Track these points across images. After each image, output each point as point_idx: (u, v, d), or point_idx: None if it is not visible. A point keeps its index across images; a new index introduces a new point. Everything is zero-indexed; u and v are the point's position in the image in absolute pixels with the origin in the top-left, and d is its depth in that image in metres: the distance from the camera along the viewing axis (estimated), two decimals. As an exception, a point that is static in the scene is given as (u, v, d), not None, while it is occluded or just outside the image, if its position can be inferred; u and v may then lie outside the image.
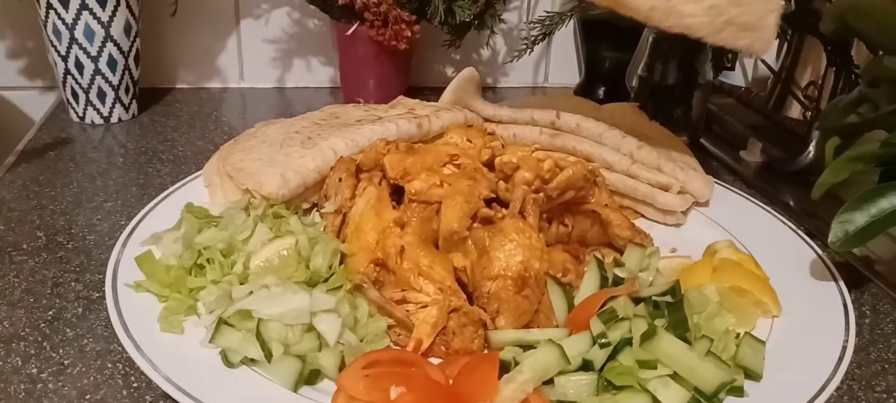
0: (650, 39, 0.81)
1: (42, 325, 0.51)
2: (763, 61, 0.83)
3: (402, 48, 0.84)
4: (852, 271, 0.62)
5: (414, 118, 0.68)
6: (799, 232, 0.64)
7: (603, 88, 0.99)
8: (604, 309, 0.47)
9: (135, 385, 0.46)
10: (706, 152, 0.85)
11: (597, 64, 0.99)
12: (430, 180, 0.55)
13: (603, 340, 0.45)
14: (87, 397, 0.45)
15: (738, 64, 0.94)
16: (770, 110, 0.83)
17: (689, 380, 0.44)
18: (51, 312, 0.52)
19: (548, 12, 0.84)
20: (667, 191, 0.66)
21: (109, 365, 0.48)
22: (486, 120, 0.73)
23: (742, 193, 0.71)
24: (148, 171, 0.73)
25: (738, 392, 0.45)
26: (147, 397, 0.45)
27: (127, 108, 0.84)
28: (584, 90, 1.00)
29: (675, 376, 0.44)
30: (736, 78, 0.99)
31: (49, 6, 0.76)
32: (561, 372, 0.44)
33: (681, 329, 0.46)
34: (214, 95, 0.97)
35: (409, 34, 0.83)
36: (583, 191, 0.56)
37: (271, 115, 0.86)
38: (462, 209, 0.52)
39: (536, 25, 0.83)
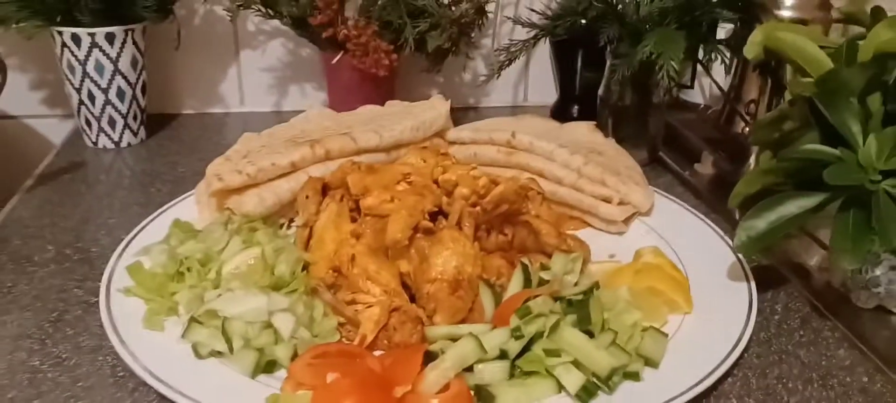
0: (607, 64, 0.88)
1: (46, 325, 0.59)
2: (714, 81, 0.89)
3: (382, 74, 0.92)
4: (776, 274, 0.68)
5: (374, 132, 0.76)
6: (726, 238, 0.70)
7: (576, 107, 1.05)
8: (522, 306, 0.54)
9: (120, 374, 0.54)
10: (665, 166, 0.91)
11: (569, 84, 1.05)
12: (382, 196, 0.63)
13: (518, 333, 0.52)
14: (80, 384, 0.53)
15: (697, 82, 1.00)
16: (722, 126, 0.89)
17: (587, 366, 0.50)
18: (54, 314, 0.60)
19: (511, 41, 0.91)
20: (609, 202, 0.73)
21: (100, 359, 0.56)
22: (451, 142, 0.81)
23: (681, 203, 0.77)
24: (150, 191, 0.82)
25: (634, 376, 0.52)
26: (129, 384, 0.53)
27: (135, 134, 0.93)
28: (559, 109, 1.06)
29: (576, 363, 0.51)
30: (695, 96, 1.05)
31: (63, 45, 0.85)
32: (480, 360, 0.51)
33: (585, 322, 0.53)
34: (217, 120, 1.06)
35: (388, 62, 0.91)
36: (516, 205, 0.64)
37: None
38: (405, 221, 0.59)
39: (502, 52, 0.91)
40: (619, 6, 0.85)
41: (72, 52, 0.85)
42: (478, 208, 0.62)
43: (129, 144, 0.93)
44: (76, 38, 0.84)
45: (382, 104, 0.93)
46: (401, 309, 0.57)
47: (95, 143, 0.92)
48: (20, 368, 0.54)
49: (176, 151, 0.93)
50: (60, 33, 0.84)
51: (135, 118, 0.92)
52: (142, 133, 0.94)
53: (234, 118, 1.07)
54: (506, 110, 1.11)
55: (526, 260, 0.60)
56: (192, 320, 0.54)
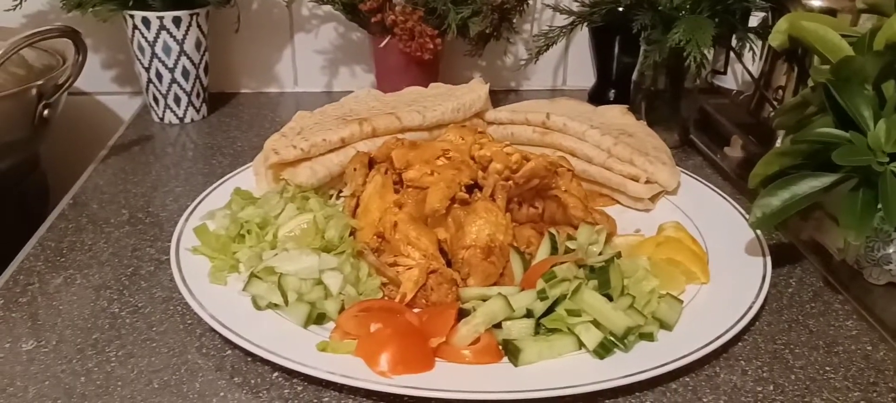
0: (642, 49, 0.92)
1: (123, 279, 0.66)
2: (745, 67, 0.92)
3: (427, 58, 0.98)
4: (794, 251, 0.72)
5: (417, 112, 0.82)
6: (746, 216, 0.74)
7: (613, 91, 1.09)
8: (548, 272, 0.59)
9: (189, 322, 0.61)
10: (696, 148, 0.95)
11: (607, 68, 1.09)
12: (422, 170, 0.68)
13: (543, 295, 0.58)
14: (154, 329, 0.60)
15: (730, 69, 1.03)
16: (752, 111, 0.93)
17: (605, 325, 0.56)
18: (130, 269, 0.68)
19: (549, 27, 0.96)
20: (636, 181, 0.78)
21: (171, 308, 0.63)
22: (490, 123, 0.86)
23: (706, 183, 0.81)
24: (212, 163, 0.89)
25: (649, 337, 0.57)
26: (197, 330, 0.60)
27: (198, 111, 1.01)
28: (597, 93, 1.11)
29: (595, 322, 0.56)
30: (728, 81, 1.08)
31: (135, 27, 0.93)
32: (507, 318, 0.57)
33: (605, 287, 0.58)
34: (272, 99, 1.13)
35: (433, 46, 0.97)
36: (546, 180, 0.69)
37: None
38: (443, 192, 0.65)
39: (541, 37, 0.95)
40: (653, -7, 0.89)
41: (142, 34, 0.93)
42: (510, 182, 0.67)
43: (192, 120, 1.00)
44: (146, 22, 0.92)
45: (427, 85, 0.98)
46: (438, 272, 0.62)
47: (162, 119, 1.00)
48: (102, 314, 0.61)
49: (235, 127, 1.00)
50: (132, 16, 0.92)
51: (198, 96, 1.00)
52: (204, 110, 1.02)
53: (287, 97, 1.13)
54: (545, 93, 1.16)
55: (553, 231, 0.65)
56: (252, 275, 0.61)
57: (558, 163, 0.70)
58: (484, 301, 0.59)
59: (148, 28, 0.92)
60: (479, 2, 0.94)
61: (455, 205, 0.66)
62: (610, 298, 0.58)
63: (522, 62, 0.98)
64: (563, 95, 1.16)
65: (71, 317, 0.61)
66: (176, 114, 0.99)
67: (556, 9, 0.98)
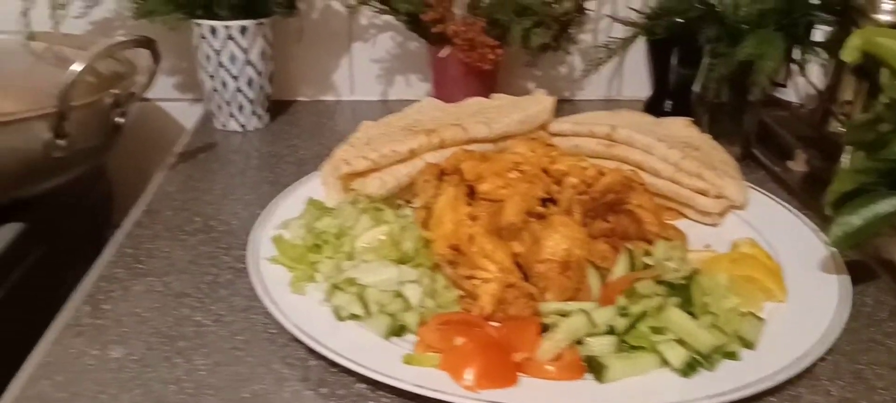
0: (705, 62, 0.92)
1: (203, 287, 0.67)
2: (809, 81, 0.92)
3: (487, 68, 0.98)
4: (866, 268, 0.71)
5: (483, 123, 0.82)
6: (818, 232, 0.73)
7: (670, 102, 1.09)
8: (629, 288, 0.60)
9: (272, 331, 0.62)
10: (757, 162, 0.95)
11: (664, 79, 1.09)
12: (496, 182, 0.69)
13: (624, 311, 0.58)
14: (238, 338, 0.61)
15: (791, 81, 1.02)
16: (816, 124, 0.92)
17: (690, 344, 0.55)
18: (208, 277, 0.69)
19: (610, 38, 0.96)
20: (705, 195, 0.78)
21: (252, 317, 0.64)
22: (553, 134, 0.86)
23: (775, 198, 0.81)
24: (277, 171, 0.90)
25: (733, 356, 0.56)
26: (279, 340, 0.61)
27: (260, 119, 1.02)
28: (653, 103, 1.10)
29: (679, 341, 0.56)
30: (787, 93, 1.07)
31: (202, 36, 0.94)
32: (590, 334, 0.57)
33: (687, 305, 0.58)
34: (329, 107, 1.14)
35: (493, 57, 0.97)
36: (621, 194, 0.69)
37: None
38: (519, 206, 0.65)
39: (601, 49, 0.95)
40: (718, 7, 0.89)
41: (209, 43, 0.94)
42: (585, 196, 0.67)
43: (254, 128, 1.02)
44: (213, 31, 0.93)
45: (484, 95, 0.99)
46: (515, 286, 0.63)
47: (224, 126, 1.01)
48: (185, 322, 0.63)
49: (296, 135, 1.02)
50: (199, 25, 0.93)
51: (261, 104, 1.01)
52: (265, 118, 1.03)
53: (344, 105, 1.15)
54: (600, 103, 1.16)
55: (630, 246, 0.65)
56: (334, 286, 0.62)
57: (632, 178, 0.70)
58: (563, 316, 0.59)
59: (215, 37, 0.94)
60: (542, 13, 0.95)
61: (531, 219, 0.66)
62: (692, 316, 0.58)
63: (582, 73, 0.98)
64: (617, 106, 1.16)
65: (155, 325, 0.62)
66: (239, 122, 1.00)
67: (617, 20, 0.98)
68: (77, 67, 0.69)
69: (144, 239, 0.75)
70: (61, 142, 0.72)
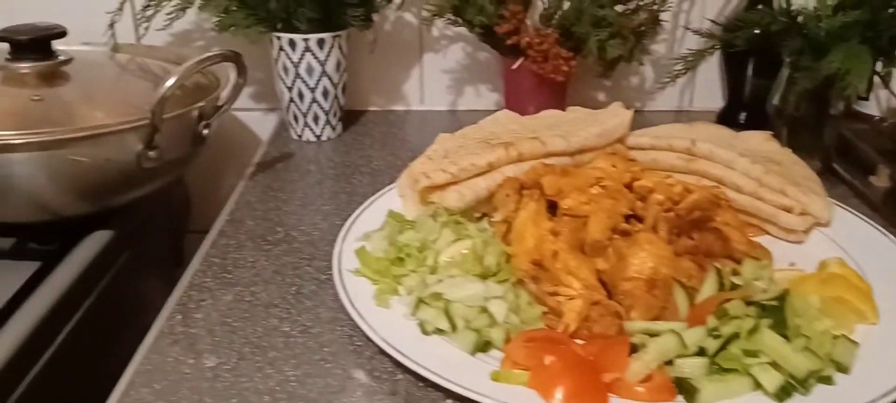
0: (785, 74, 0.90)
1: (288, 297, 0.69)
2: (894, 94, 0.89)
3: (560, 80, 0.98)
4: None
5: (561, 137, 0.82)
6: (908, 251, 0.72)
7: (744, 114, 1.07)
8: (719, 308, 0.59)
9: (358, 343, 0.63)
10: (838, 177, 0.93)
11: (738, 90, 1.07)
12: (579, 198, 0.69)
13: (715, 333, 0.57)
14: (325, 349, 0.62)
15: (872, 93, 1.00)
16: (901, 138, 0.90)
17: (785, 368, 0.55)
18: (293, 288, 0.70)
19: (690, 50, 0.95)
20: (789, 212, 0.76)
21: (338, 328, 0.65)
22: (631, 147, 0.86)
23: (860, 215, 0.79)
24: (353, 182, 0.92)
25: (827, 380, 0.55)
26: (366, 352, 0.62)
27: (334, 129, 1.04)
28: (727, 115, 1.09)
29: (773, 364, 0.55)
30: (870, 106, 1.04)
31: (281, 49, 0.96)
32: (680, 355, 0.57)
33: (781, 327, 0.57)
34: (399, 116, 1.15)
35: (567, 68, 0.97)
36: (708, 212, 0.68)
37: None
38: (605, 223, 0.65)
39: (679, 62, 0.94)
40: (800, 18, 0.87)
41: (287, 55, 0.96)
42: (671, 213, 0.67)
43: (328, 138, 1.03)
44: (292, 43, 0.95)
45: (555, 106, 0.98)
46: (601, 303, 0.62)
47: (300, 136, 1.03)
48: (274, 332, 0.64)
49: (368, 145, 1.03)
50: (279, 38, 0.95)
51: (335, 115, 1.03)
52: (339, 128, 1.05)
53: (414, 115, 1.16)
54: (671, 114, 1.15)
55: (718, 265, 0.64)
56: (420, 300, 0.62)
57: (719, 196, 0.70)
58: (650, 335, 0.59)
59: (293, 49, 0.95)
60: (617, 25, 0.94)
61: (616, 236, 0.66)
62: (785, 338, 0.57)
63: (658, 86, 0.97)
64: (689, 116, 1.15)
65: (245, 335, 0.63)
66: (314, 132, 1.02)
67: (696, 32, 0.97)
68: (171, 82, 0.71)
69: (230, 248, 0.76)
70: (152, 154, 0.74)
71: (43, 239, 0.80)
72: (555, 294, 0.64)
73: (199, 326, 0.64)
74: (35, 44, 0.79)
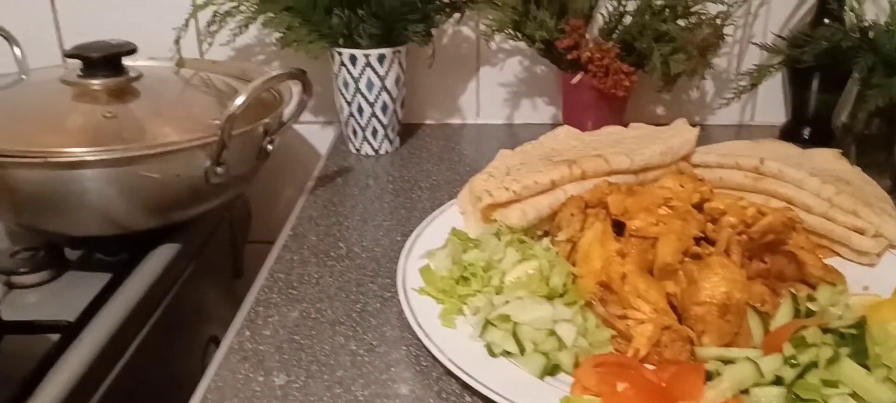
0: (854, 90, 0.88)
1: (354, 315, 0.69)
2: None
3: (620, 95, 0.97)
4: None
5: (625, 154, 0.81)
6: None
7: (808, 130, 1.05)
8: (796, 336, 0.57)
9: (424, 363, 0.63)
10: (910, 196, 0.90)
11: (803, 105, 1.05)
12: (647, 219, 0.68)
13: (793, 361, 0.56)
14: (392, 369, 0.62)
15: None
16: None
17: (866, 400, 0.53)
18: (358, 305, 0.70)
19: (756, 66, 0.93)
20: (862, 234, 0.74)
21: (404, 348, 0.65)
22: (695, 165, 0.84)
23: (937, 238, 0.76)
24: (412, 197, 0.92)
25: (911, 414, 0.54)
26: (433, 373, 0.61)
27: (392, 143, 1.04)
28: (790, 131, 1.06)
29: (853, 395, 0.54)
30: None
31: (342, 64, 0.97)
32: (756, 384, 0.55)
33: (861, 357, 0.55)
34: (455, 130, 1.15)
35: (628, 83, 0.96)
36: (781, 235, 0.66)
37: (501, 148, 1.02)
38: (676, 245, 0.64)
39: (744, 77, 0.93)
40: (871, 34, 0.85)
41: (348, 70, 0.97)
42: (744, 236, 0.65)
43: (386, 152, 1.04)
44: (353, 59, 0.96)
45: (614, 121, 0.98)
46: (672, 328, 0.61)
47: (358, 150, 1.04)
48: (341, 350, 0.64)
49: (425, 159, 1.03)
50: (340, 54, 0.96)
51: (393, 129, 1.03)
52: (396, 142, 1.05)
53: (469, 129, 1.16)
54: (731, 129, 1.13)
55: (793, 290, 0.63)
56: (487, 322, 0.62)
57: (795, 219, 0.68)
58: (724, 362, 0.58)
59: (354, 65, 0.96)
60: (681, 39, 0.93)
61: (686, 259, 0.65)
62: (865, 368, 0.55)
63: (724, 102, 0.96)
64: (750, 131, 1.13)
65: (313, 352, 0.64)
66: (372, 147, 1.03)
67: (763, 47, 0.95)
68: (240, 100, 0.72)
69: (294, 264, 0.77)
70: (219, 170, 0.75)
71: (110, 251, 0.82)
72: (624, 317, 0.63)
73: (268, 343, 0.65)
74: (106, 61, 0.81)
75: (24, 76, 0.93)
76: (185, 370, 0.87)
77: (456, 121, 1.17)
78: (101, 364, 0.67)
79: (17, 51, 0.94)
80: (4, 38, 0.93)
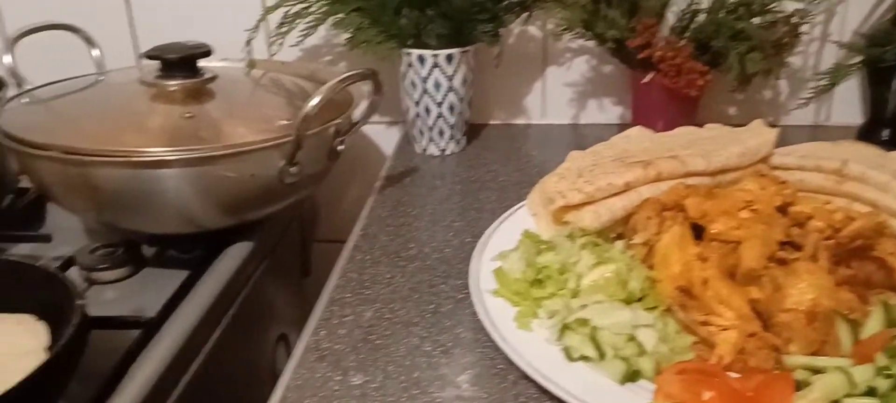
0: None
1: (427, 316, 0.69)
2: None
3: (693, 95, 0.95)
4: None
5: (701, 156, 0.79)
6: None
7: (887, 131, 1.01)
8: (890, 345, 0.55)
9: (500, 366, 0.62)
10: None
11: (881, 106, 1.01)
12: (729, 223, 0.66)
13: (887, 372, 0.53)
14: (468, 371, 0.61)
15: None
16: None
17: (968, 414, 0.51)
18: (431, 306, 0.70)
19: (834, 65, 0.90)
20: (953, 240, 0.71)
21: (479, 350, 0.64)
22: (773, 167, 0.82)
23: None
24: (480, 198, 0.91)
25: None
26: (509, 377, 0.61)
27: (458, 143, 1.04)
28: (867, 131, 1.03)
29: (954, 409, 0.51)
30: None
31: (410, 64, 0.97)
32: (847, 395, 0.53)
33: (961, 369, 0.53)
34: (520, 130, 1.14)
35: (702, 82, 0.94)
36: (870, 240, 0.64)
37: (567, 148, 1.01)
38: (760, 250, 0.62)
39: (823, 77, 0.90)
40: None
41: (415, 71, 0.97)
42: (832, 242, 0.63)
43: (452, 152, 1.04)
44: (422, 59, 0.96)
45: (686, 121, 0.96)
46: (757, 335, 0.60)
47: (424, 151, 1.04)
48: (416, 352, 0.64)
49: (492, 160, 1.02)
50: (408, 54, 0.96)
51: (459, 129, 1.03)
52: (462, 142, 1.05)
53: (534, 129, 1.15)
54: (806, 130, 1.09)
55: (884, 297, 0.61)
56: (565, 326, 0.61)
57: (884, 224, 0.65)
58: (813, 371, 0.56)
59: (422, 65, 0.96)
60: (757, 38, 0.90)
61: (771, 264, 0.63)
62: (966, 381, 0.53)
63: (801, 103, 0.93)
64: (826, 132, 1.10)
65: (389, 353, 0.64)
66: (438, 147, 1.03)
67: (842, 46, 0.92)
68: (315, 101, 0.72)
69: (366, 264, 0.77)
70: (293, 169, 0.76)
71: (185, 248, 0.83)
72: (706, 323, 0.62)
73: (343, 342, 0.65)
74: (183, 62, 0.82)
75: (102, 77, 0.95)
76: (257, 367, 0.88)
77: (521, 121, 1.16)
78: (181, 360, 0.68)
79: (95, 52, 0.96)
80: (84, 39, 0.95)
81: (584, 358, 0.60)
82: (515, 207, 0.83)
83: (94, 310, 0.72)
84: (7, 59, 0.87)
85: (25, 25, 0.90)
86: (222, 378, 0.77)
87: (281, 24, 0.98)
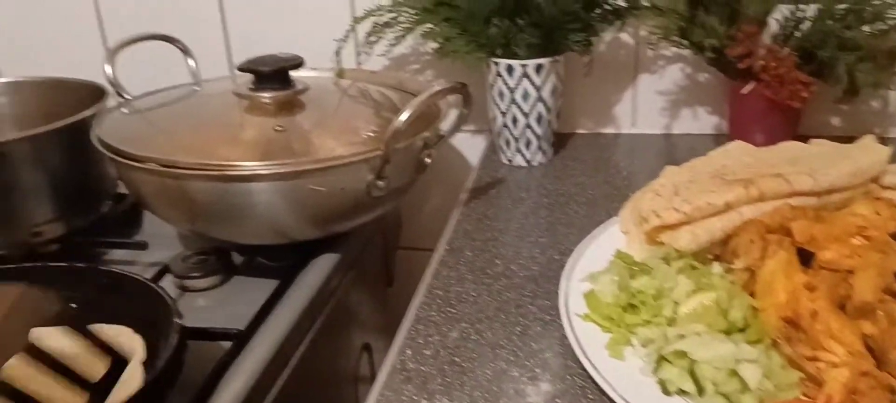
0: None
1: (514, 338, 0.67)
2: None
3: (796, 106, 0.90)
4: None
5: (807, 174, 0.75)
6: None
7: None
8: None
9: (591, 396, 0.60)
10: None
11: None
12: (841, 251, 0.62)
13: None
14: (557, 400, 0.60)
15: None
16: None
17: None
18: (518, 328, 0.69)
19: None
20: None
21: (568, 377, 0.62)
22: (885, 187, 0.77)
23: None
24: (568, 212, 0.89)
25: None
26: (601, 407, 0.59)
27: (545, 154, 1.02)
28: None
29: None
30: None
31: (498, 74, 0.96)
32: (976, 446, 0.49)
33: None
34: (608, 140, 1.11)
35: (806, 93, 0.89)
36: None
37: (658, 159, 0.98)
38: (876, 282, 0.58)
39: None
40: None
41: (504, 81, 0.95)
42: (957, 275, 0.59)
43: (539, 163, 1.02)
44: (510, 69, 0.94)
45: (786, 134, 0.91)
46: (870, 374, 0.56)
47: (510, 161, 1.02)
48: (503, 376, 0.63)
49: (580, 172, 1.00)
50: (497, 64, 0.95)
51: (547, 140, 1.01)
52: (549, 153, 1.03)
53: (624, 139, 1.11)
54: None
55: None
56: (661, 357, 0.59)
57: None
58: (933, 417, 0.52)
59: (511, 75, 0.94)
60: (868, 47, 0.85)
61: (886, 297, 0.59)
62: None
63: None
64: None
65: (476, 377, 0.62)
66: (524, 158, 1.01)
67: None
68: (405, 116, 0.72)
69: (452, 280, 0.76)
70: (381, 183, 0.76)
71: (274, 258, 0.84)
72: (814, 358, 0.58)
73: (430, 364, 0.64)
74: (276, 74, 0.83)
75: (197, 87, 0.97)
76: (342, 378, 0.88)
77: (610, 130, 1.13)
78: (271, 370, 0.69)
79: (191, 62, 0.98)
80: (181, 50, 0.98)
81: (682, 393, 0.57)
82: (605, 224, 0.80)
83: (188, 320, 0.73)
84: (108, 69, 0.90)
85: (125, 37, 0.92)
86: (309, 388, 0.78)
87: (370, 34, 0.98)
